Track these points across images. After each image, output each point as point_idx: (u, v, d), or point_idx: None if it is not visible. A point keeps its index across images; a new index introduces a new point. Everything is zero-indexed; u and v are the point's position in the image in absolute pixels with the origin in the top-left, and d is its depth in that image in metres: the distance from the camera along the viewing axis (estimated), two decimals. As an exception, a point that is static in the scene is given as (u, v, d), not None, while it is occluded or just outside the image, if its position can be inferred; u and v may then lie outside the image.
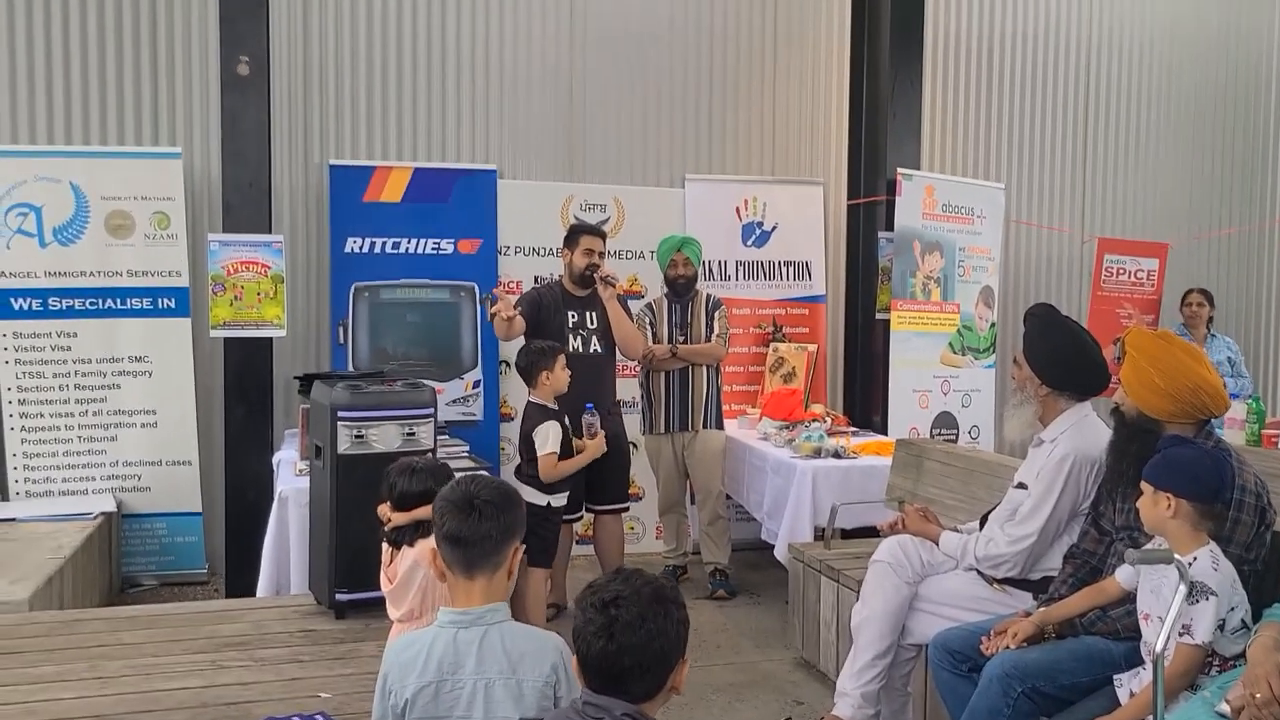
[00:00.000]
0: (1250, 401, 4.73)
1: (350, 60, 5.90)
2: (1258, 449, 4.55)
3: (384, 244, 5.69)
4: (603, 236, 4.93)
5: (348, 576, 3.45)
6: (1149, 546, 2.55)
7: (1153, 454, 2.58)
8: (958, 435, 6.09)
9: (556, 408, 4.33)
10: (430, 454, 3.66)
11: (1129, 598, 2.63)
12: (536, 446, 4.26)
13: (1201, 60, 7.51)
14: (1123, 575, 2.65)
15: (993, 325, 6.39)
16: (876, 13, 6.14)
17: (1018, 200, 7.05)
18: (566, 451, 4.30)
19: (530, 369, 4.33)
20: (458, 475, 2.21)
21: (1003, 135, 7.12)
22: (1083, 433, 3.07)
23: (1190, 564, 2.36)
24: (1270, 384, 7.62)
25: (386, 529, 3.00)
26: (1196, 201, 7.56)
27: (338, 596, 3.47)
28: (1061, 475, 3.02)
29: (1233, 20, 7.57)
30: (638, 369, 5.41)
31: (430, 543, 2.86)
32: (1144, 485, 2.48)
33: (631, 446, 5.17)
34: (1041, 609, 2.83)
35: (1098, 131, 7.33)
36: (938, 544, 3.30)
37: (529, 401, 4.39)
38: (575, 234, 4.91)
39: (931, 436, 5.94)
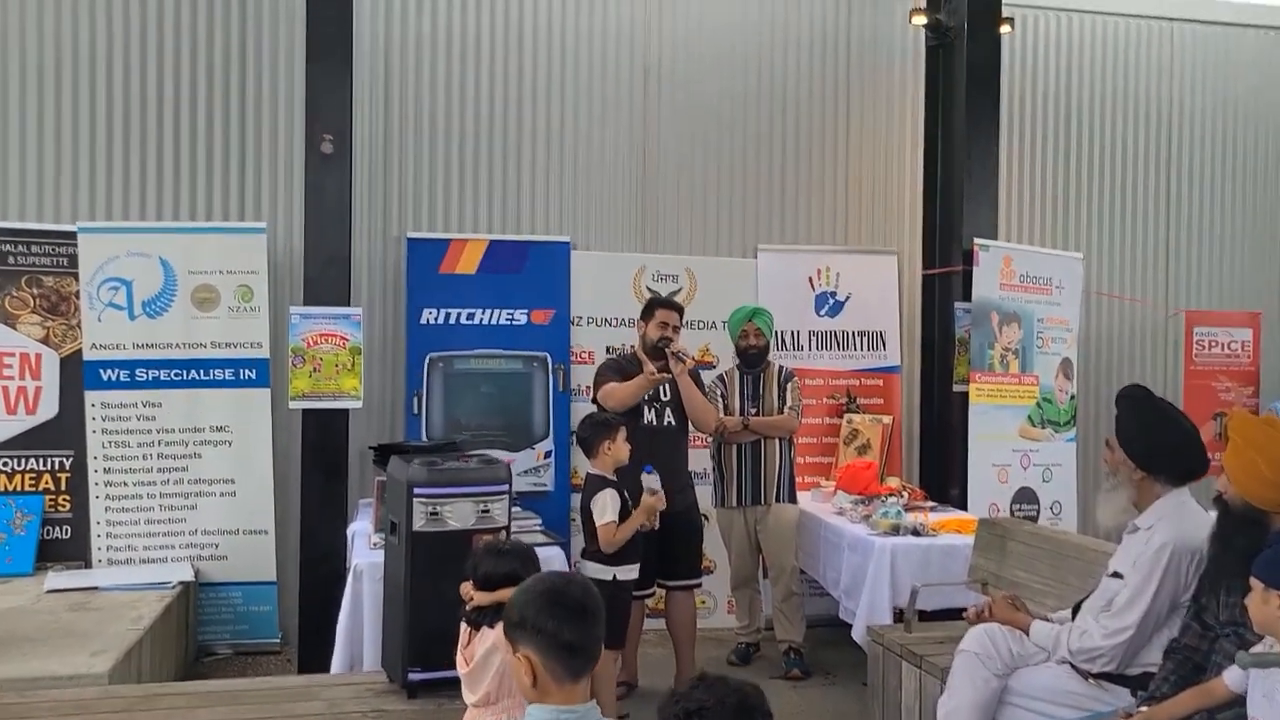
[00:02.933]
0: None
1: (429, 135, 6.04)
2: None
3: (459, 315, 5.76)
4: (679, 310, 4.92)
5: (421, 655, 3.42)
6: (1259, 648, 2.42)
7: (1260, 547, 2.47)
8: (1039, 511, 5.91)
9: (615, 479, 4.30)
10: (505, 530, 3.65)
11: (1238, 701, 2.48)
12: (595, 516, 4.22)
13: (1286, 125, 7.34)
14: (1231, 677, 2.51)
15: (1073, 398, 6.22)
16: (951, 81, 6.12)
17: (1098, 271, 6.91)
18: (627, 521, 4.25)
19: (591, 440, 4.30)
20: (534, 577, 2.15)
21: (1081, 204, 7.00)
22: (1182, 520, 2.94)
23: (1306, 668, 2.23)
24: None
25: (467, 609, 2.98)
26: (1287, 268, 7.33)
27: (410, 676, 3.44)
28: (1160, 565, 2.89)
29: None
30: (709, 440, 5.36)
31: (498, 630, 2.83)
32: (1253, 582, 2.36)
33: (703, 519, 5.10)
34: (1143, 708, 2.69)
35: (1179, 200, 7.18)
36: (1027, 634, 3.18)
37: (589, 473, 4.37)
38: (651, 307, 4.91)
39: (1012, 512, 5.78)
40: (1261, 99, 7.28)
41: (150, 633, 4.22)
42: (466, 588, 2.89)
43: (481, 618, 2.81)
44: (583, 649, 1.90)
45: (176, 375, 5.29)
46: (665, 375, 4.65)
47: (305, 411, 5.19)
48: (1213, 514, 2.84)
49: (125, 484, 5.22)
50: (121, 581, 4.84)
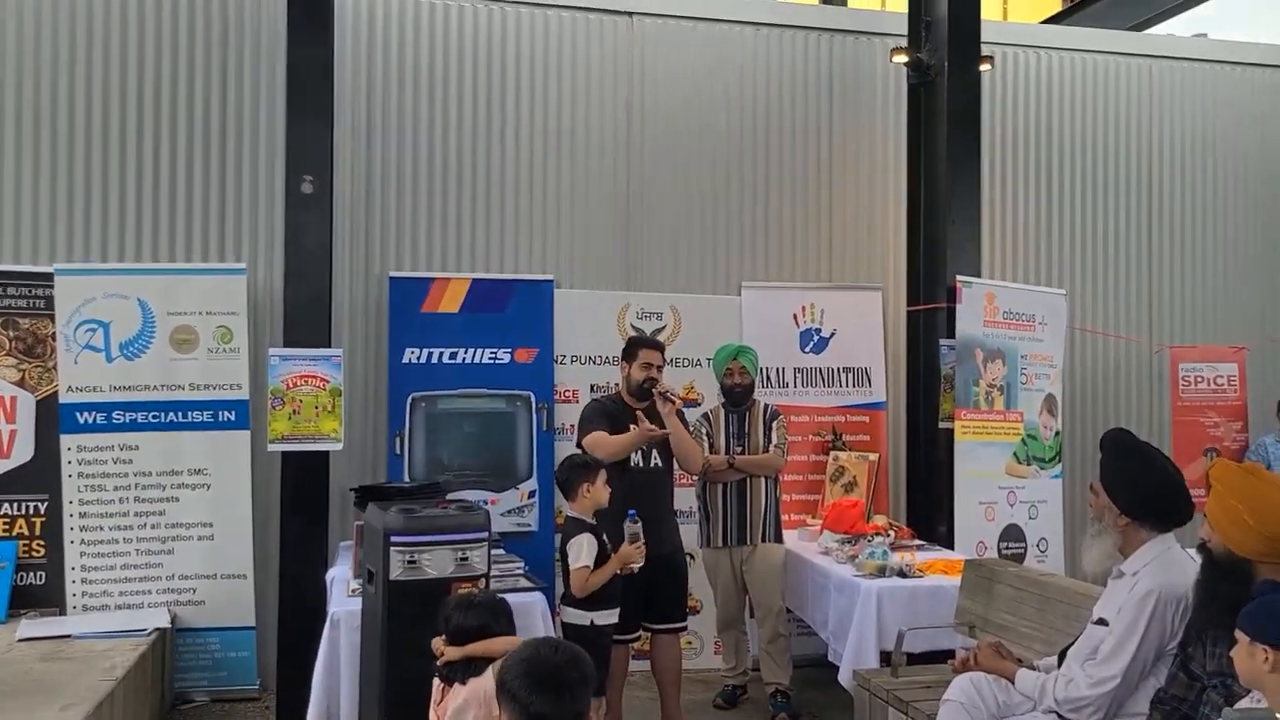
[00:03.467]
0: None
1: (411, 173, 6.02)
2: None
3: (441, 354, 5.73)
4: (661, 349, 4.88)
5: (398, 707, 3.36)
6: (1245, 702, 2.38)
7: (1245, 596, 2.43)
8: (1025, 548, 5.87)
9: (594, 522, 4.24)
10: (485, 578, 3.60)
11: (1226, 755, 2.44)
12: (570, 560, 4.17)
13: (1268, 157, 7.38)
14: (1219, 730, 2.47)
15: (1058, 434, 6.20)
16: (932, 119, 6.14)
17: (1080, 307, 6.91)
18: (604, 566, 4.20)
19: (570, 481, 4.25)
20: (531, 639, 2.11)
21: (1063, 240, 7.02)
22: (1167, 567, 2.91)
23: (1294, 724, 2.19)
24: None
25: (439, 664, 2.92)
26: (1271, 303, 7.34)
27: (387, 727, 3.38)
28: (1145, 613, 2.85)
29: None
30: (694, 480, 5.31)
31: (483, 682, 2.78)
32: (1239, 635, 2.32)
33: (689, 559, 5.05)
34: (1130, 761, 2.65)
35: (1161, 236, 7.20)
36: (1013, 682, 3.13)
37: (568, 516, 4.33)
38: (634, 347, 4.87)
39: (999, 550, 5.74)
40: (1240, 135, 7.33)
41: (124, 683, 4.13)
42: (438, 643, 2.84)
43: (453, 673, 2.75)
44: None
45: (154, 417, 5.23)
46: (662, 432, 4.57)
47: (285, 454, 5.13)
48: (1199, 560, 2.81)
49: (101, 528, 5.15)
50: (95, 629, 4.75)
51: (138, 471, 5.20)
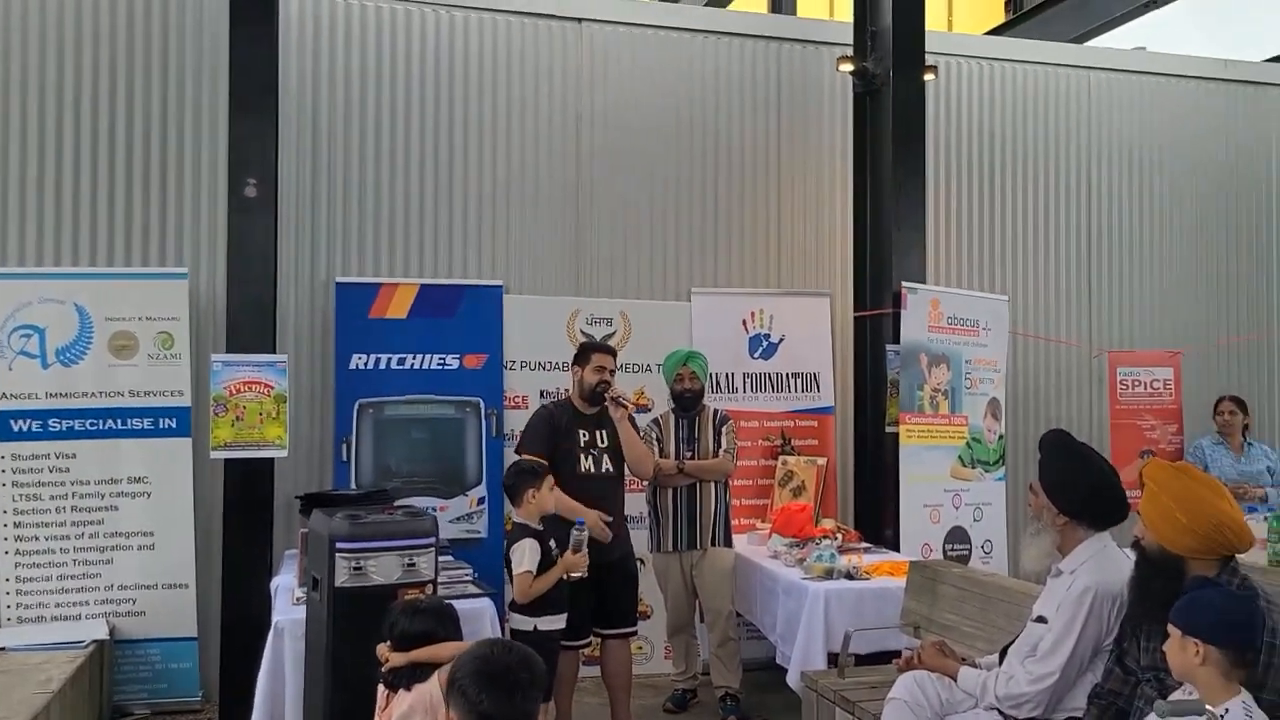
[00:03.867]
0: (1271, 520, 4.60)
1: (358, 178, 5.97)
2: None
3: (389, 360, 5.68)
4: (614, 354, 4.88)
5: (344, 716, 3.32)
6: (1178, 695, 2.44)
7: (1177, 592, 2.50)
8: (970, 550, 5.96)
9: (541, 528, 4.23)
10: (433, 584, 3.57)
11: (1161, 747, 2.49)
12: (512, 565, 4.15)
13: (1202, 168, 7.58)
14: (1153, 723, 2.53)
15: (1001, 437, 6.30)
16: (878, 127, 6.22)
17: (1022, 312, 7.03)
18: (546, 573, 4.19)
19: (516, 487, 4.24)
20: (481, 640, 2.11)
21: (1006, 247, 7.14)
22: (1103, 565, 2.97)
23: (1222, 716, 2.24)
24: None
25: (383, 670, 2.90)
26: (1204, 309, 7.53)
27: (333, 736, 3.34)
28: (1083, 610, 2.91)
29: (1232, 128, 7.65)
30: (644, 485, 5.32)
31: (428, 688, 2.76)
32: (1171, 629, 2.38)
33: (639, 564, 5.06)
34: (1068, 756, 2.70)
35: (1100, 242, 7.35)
36: (956, 680, 3.17)
37: (514, 521, 4.31)
38: (586, 351, 4.87)
39: (944, 553, 5.82)
40: (1176, 147, 7.51)
41: (59, 697, 4.03)
42: (382, 649, 2.81)
43: (398, 679, 2.73)
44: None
45: (92, 425, 5.13)
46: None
47: (228, 461, 5.05)
48: (1134, 558, 2.87)
49: (37, 538, 5.03)
50: (31, 641, 4.63)
51: (75, 480, 5.09)
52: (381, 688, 2.82)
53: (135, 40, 5.64)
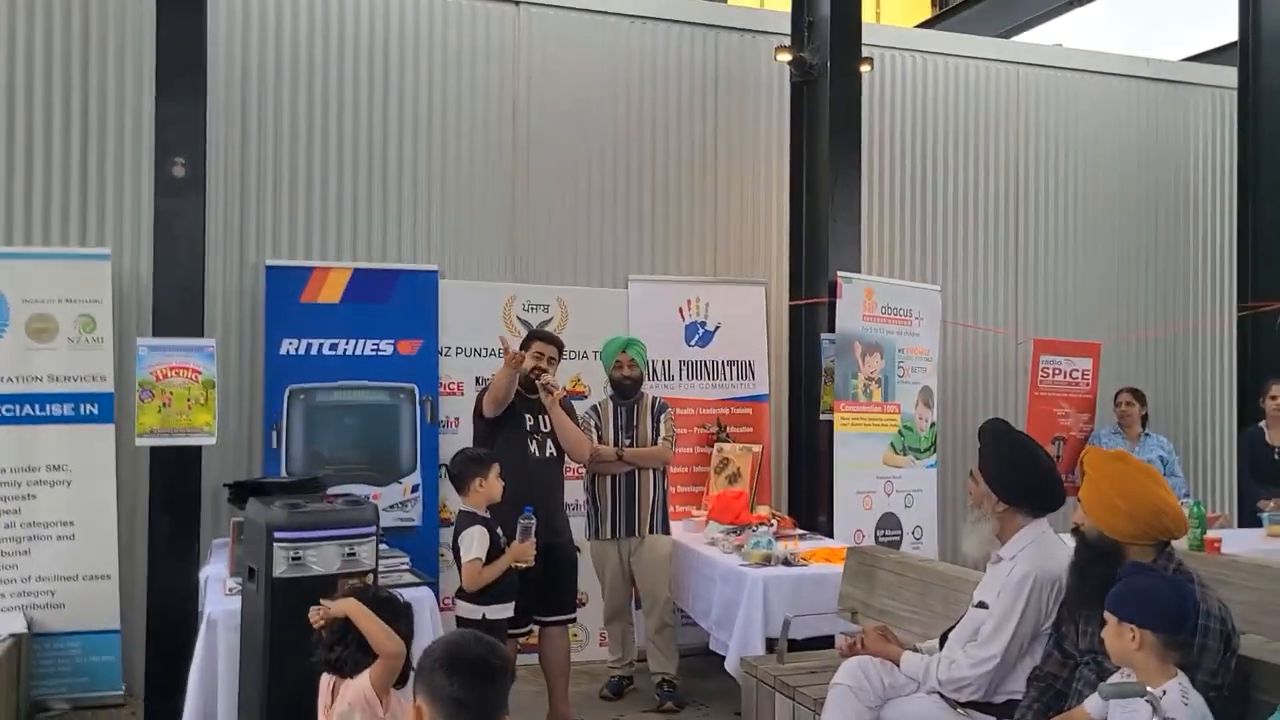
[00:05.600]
0: (1191, 505, 4.77)
1: (289, 158, 5.82)
2: (1200, 554, 4.57)
3: (321, 345, 5.56)
4: (558, 345, 4.87)
5: (282, 710, 3.25)
6: (1116, 677, 2.51)
7: (1115, 577, 2.57)
8: (901, 536, 6.07)
9: (488, 515, 4.21)
10: (372, 574, 3.51)
11: (1099, 727, 2.57)
12: (461, 553, 4.12)
13: (1124, 163, 7.79)
14: (1091, 706, 2.59)
15: (933, 425, 6.43)
16: (815, 117, 6.27)
17: (953, 302, 7.16)
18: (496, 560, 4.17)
19: (463, 475, 4.21)
20: (451, 633, 2.09)
21: (937, 238, 7.26)
22: (1042, 550, 3.04)
23: (1160, 697, 2.31)
24: (1201, 484, 7.76)
25: (322, 644, 2.82)
26: (1124, 302, 7.76)
27: (270, 730, 3.26)
28: (1023, 595, 2.98)
29: (1153, 125, 7.88)
30: (582, 471, 5.30)
31: (361, 685, 2.70)
32: (1107, 616, 2.44)
33: (577, 551, 5.04)
34: (1010, 737, 2.76)
35: (1026, 235, 7.53)
36: (899, 665, 3.23)
37: (460, 510, 4.28)
38: (530, 339, 4.88)
39: (876, 538, 5.91)
40: (1099, 141, 7.72)
41: (-24, 693, 3.88)
42: (316, 611, 2.75)
43: (343, 661, 2.67)
44: (469, 707, 1.86)
45: (8, 411, 4.93)
46: (522, 357, 4.59)
47: (154, 448, 4.89)
48: (1071, 543, 2.95)
49: (-52, 529, 4.82)
50: (-56, 637, 4.45)
51: (-11, 468, 4.89)
52: (326, 679, 2.76)
53: (54, 11, 5.41)
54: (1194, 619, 2.47)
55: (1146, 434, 6.55)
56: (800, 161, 6.40)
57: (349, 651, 2.79)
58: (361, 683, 2.74)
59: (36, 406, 4.96)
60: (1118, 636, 2.43)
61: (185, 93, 5.00)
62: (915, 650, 3.30)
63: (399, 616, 2.77)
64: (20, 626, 4.72)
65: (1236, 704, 2.58)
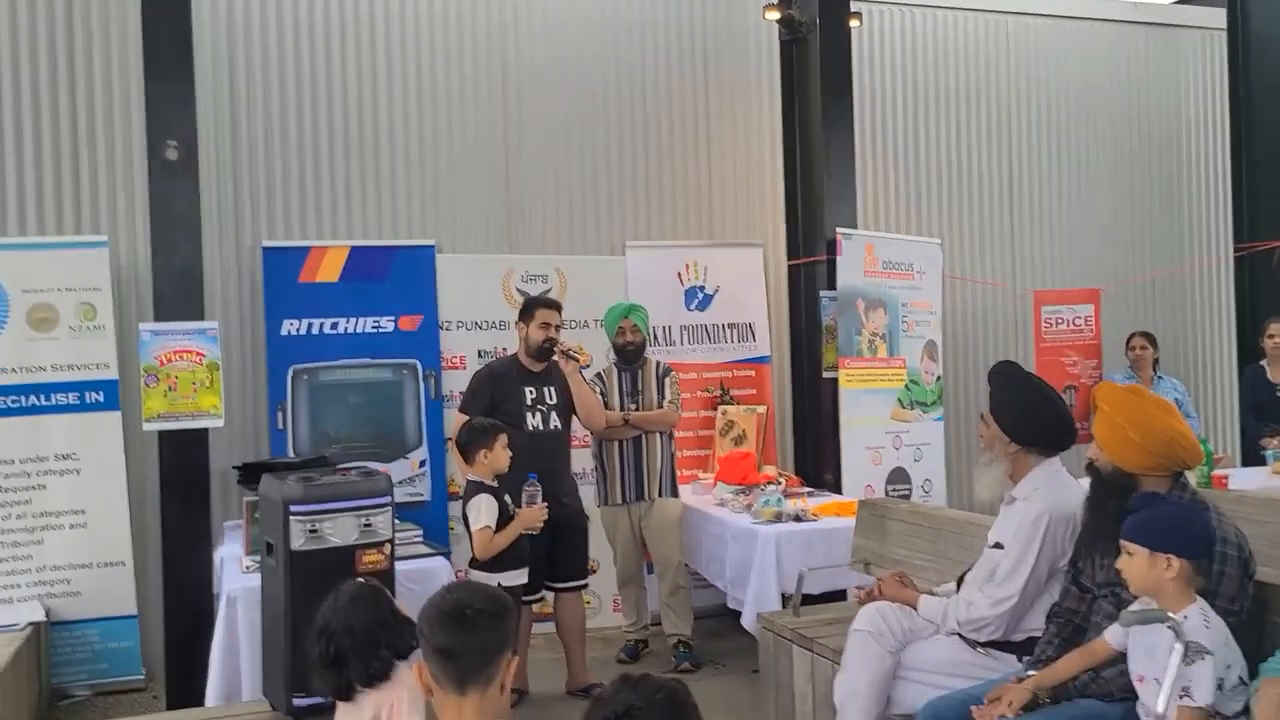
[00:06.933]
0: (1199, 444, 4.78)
1: (280, 140, 5.79)
2: (1209, 490, 4.60)
3: (322, 325, 5.55)
4: (558, 308, 4.87)
5: (305, 679, 3.26)
6: (1135, 606, 2.53)
7: (1130, 509, 2.57)
8: (911, 490, 6.09)
9: (495, 484, 4.22)
10: (389, 544, 3.51)
11: (1120, 658, 2.59)
12: (470, 522, 4.14)
13: (1117, 109, 7.77)
14: (1112, 636, 2.62)
15: (939, 379, 6.44)
16: (805, 75, 6.25)
17: (952, 255, 7.16)
18: (506, 528, 4.19)
19: (469, 447, 4.24)
20: (447, 584, 2.09)
21: (934, 193, 7.25)
22: (1056, 489, 3.05)
23: (1182, 621, 2.33)
24: (1203, 424, 7.79)
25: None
26: (1122, 248, 7.77)
27: (295, 701, 3.29)
28: (1039, 533, 3.00)
29: (1145, 70, 7.87)
30: (589, 439, 5.32)
31: (384, 687, 2.69)
32: (1132, 546, 2.45)
33: (587, 519, 5.06)
34: (1031, 672, 2.78)
35: (1022, 185, 7.52)
36: (917, 609, 3.25)
37: (468, 480, 4.30)
38: (531, 307, 4.84)
39: (886, 493, 5.93)
40: (1091, 88, 7.70)
41: (-1, 680, 3.90)
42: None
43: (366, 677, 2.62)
44: (453, 654, 1.87)
45: (14, 402, 4.92)
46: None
47: (161, 433, 4.89)
48: (1084, 481, 2.97)
49: (-39, 521, 4.82)
50: (-37, 627, 4.46)
51: (-2, 460, 4.89)
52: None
53: (37, 3, 5.36)
54: (1214, 545, 2.49)
55: (1159, 377, 6.57)
56: (793, 120, 6.38)
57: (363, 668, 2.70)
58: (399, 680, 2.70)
59: (42, 396, 4.95)
60: (1150, 567, 2.41)
61: (174, 74, 4.98)
62: (933, 594, 3.32)
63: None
64: (38, 615, 4.73)
65: (1254, 630, 2.61)
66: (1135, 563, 2.44)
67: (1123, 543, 2.49)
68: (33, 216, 5.33)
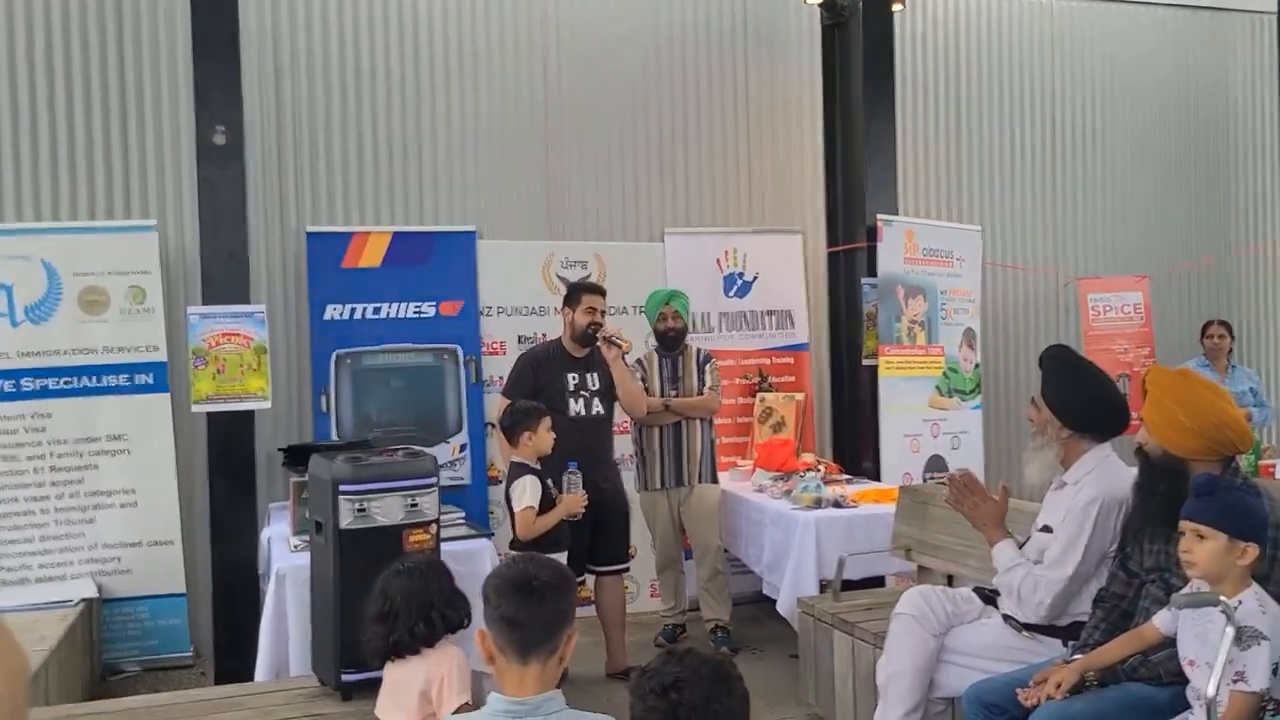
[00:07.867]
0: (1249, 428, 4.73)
1: (325, 124, 5.84)
2: (1256, 479, 4.54)
3: (364, 309, 5.61)
4: (603, 294, 4.89)
5: (354, 655, 3.31)
6: (1186, 590, 2.51)
7: (1182, 493, 2.55)
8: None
9: (539, 467, 4.25)
10: (435, 524, 3.56)
11: (1169, 642, 2.58)
12: (513, 502, 4.18)
13: (1164, 95, 7.68)
14: (1161, 620, 2.61)
15: (977, 366, 6.41)
16: (847, 60, 6.22)
17: (993, 242, 7.11)
18: (548, 510, 4.23)
19: (513, 429, 4.27)
20: (512, 556, 2.14)
21: (974, 178, 7.20)
22: (1107, 474, 3.03)
23: (1236, 607, 2.32)
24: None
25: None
26: (1168, 235, 7.67)
27: (344, 677, 3.33)
28: (1090, 518, 2.98)
29: (1193, 54, 7.76)
30: (629, 425, 5.34)
31: (433, 659, 2.76)
32: (1207, 530, 2.37)
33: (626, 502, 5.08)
34: (1077, 656, 2.78)
35: (1066, 171, 7.45)
36: (993, 546, 3.20)
37: (511, 461, 4.33)
38: (576, 292, 4.87)
39: (924, 480, 5.92)
40: (1136, 72, 7.60)
41: (55, 654, 3.99)
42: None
43: (414, 642, 2.73)
44: (519, 624, 1.90)
45: (66, 383, 5.01)
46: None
47: (210, 415, 4.98)
48: (1134, 468, 2.94)
49: (16, 499, 4.92)
50: (20, 602, 4.55)
51: (52, 440, 4.98)
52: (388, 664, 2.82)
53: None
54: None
55: (1234, 366, 6.49)
56: (833, 106, 6.35)
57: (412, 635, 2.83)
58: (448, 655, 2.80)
59: (94, 378, 5.04)
60: (1226, 552, 2.35)
61: (221, 60, 5.06)
62: (1016, 543, 3.22)
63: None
64: (90, 592, 4.83)
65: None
66: (1208, 547, 2.37)
67: (1194, 525, 2.41)
68: (84, 201, 5.42)
